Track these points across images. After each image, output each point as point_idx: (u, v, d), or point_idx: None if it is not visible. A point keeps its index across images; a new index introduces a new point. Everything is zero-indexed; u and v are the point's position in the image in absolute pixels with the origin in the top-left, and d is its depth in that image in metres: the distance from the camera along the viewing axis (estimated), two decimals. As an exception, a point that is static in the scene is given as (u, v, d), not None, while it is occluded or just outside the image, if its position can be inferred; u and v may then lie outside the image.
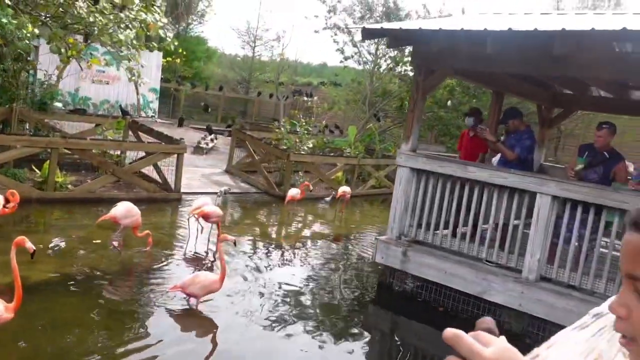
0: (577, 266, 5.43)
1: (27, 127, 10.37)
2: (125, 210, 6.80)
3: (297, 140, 13.11)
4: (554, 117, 9.43)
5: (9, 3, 8.39)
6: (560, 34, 4.89)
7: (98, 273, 6.22)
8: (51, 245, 6.79)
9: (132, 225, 6.84)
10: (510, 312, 5.74)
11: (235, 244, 6.53)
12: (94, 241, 7.10)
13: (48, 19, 10.63)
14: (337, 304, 6.35)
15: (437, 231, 6.42)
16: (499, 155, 7.31)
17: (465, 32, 5.39)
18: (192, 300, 5.48)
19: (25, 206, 7.39)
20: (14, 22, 8.32)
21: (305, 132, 13.61)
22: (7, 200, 6.37)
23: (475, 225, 6.12)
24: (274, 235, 9.30)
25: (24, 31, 8.66)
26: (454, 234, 6.30)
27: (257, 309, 5.73)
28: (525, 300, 5.57)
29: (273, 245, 8.35)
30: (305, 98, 19.75)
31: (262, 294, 6.15)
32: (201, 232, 7.94)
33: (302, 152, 12.75)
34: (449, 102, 17.73)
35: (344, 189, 11.28)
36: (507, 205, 5.86)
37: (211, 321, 5.37)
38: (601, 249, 5.52)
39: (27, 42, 8.94)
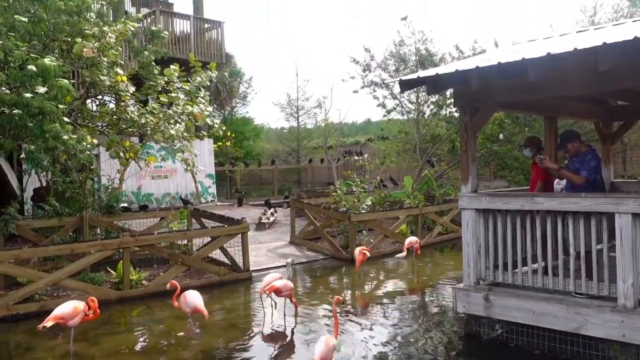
0: (677, 284, 5.02)
1: (99, 232, 10.86)
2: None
3: (355, 200, 13.10)
4: (614, 132, 9.05)
5: (68, 120, 9.02)
6: (602, 49, 4.76)
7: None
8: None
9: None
10: (614, 344, 5.31)
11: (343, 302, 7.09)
12: (173, 332, 7.17)
13: (104, 127, 11.35)
14: (425, 362, 6.08)
15: (516, 270, 6.13)
16: (564, 181, 7.02)
17: (502, 65, 5.33)
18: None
19: (105, 308, 7.62)
20: (74, 136, 8.91)
21: (362, 190, 13.61)
22: (89, 307, 6.58)
23: (555, 258, 5.81)
24: (349, 299, 9.14)
25: (84, 143, 9.25)
26: (534, 271, 6.00)
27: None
28: (628, 330, 5.15)
29: (350, 309, 8.18)
30: (356, 157, 19.88)
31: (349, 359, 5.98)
32: (275, 308, 7.91)
33: (362, 211, 12.70)
34: (500, 136, 17.42)
35: (410, 240, 11.09)
36: (586, 231, 5.55)
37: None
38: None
39: (88, 152, 9.51)
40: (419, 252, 11.10)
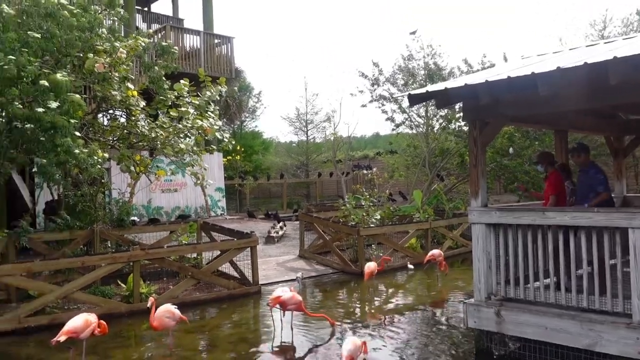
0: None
1: (109, 245, 10.91)
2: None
3: (364, 214, 13.09)
4: (626, 146, 9.00)
5: (79, 134, 9.12)
6: (613, 62, 4.75)
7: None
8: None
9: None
10: (629, 362, 5.24)
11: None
12: (182, 346, 7.16)
13: (115, 141, 11.45)
14: (436, 379, 6.02)
15: (528, 285, 6.08)
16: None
17: (512, 80, 5.33)
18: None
19: (115, 321, 7.64)
20: (85, 150, 9.00)
21: (371, 204, 13.59)
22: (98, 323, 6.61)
23: (568, 273, 5.76)
24: (358, 314, 9.09)
25: (95, 157, 9.33)
26: (546, 286, 5.94)
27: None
28: (643, 347, 5.08)
29: (360, 324, 8.13)
30: (365, 171, 19.91)
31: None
32: (283, 322, 7.88)
33: (372, 225, 12.67)
34: (510, 149, 17.36)
35: (433, 252, 10.97)
36: (599, 247, 5.50)
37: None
38: None
39: (99, 166, 9.58)
40: (443, 264, 10.92)
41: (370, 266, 10.08)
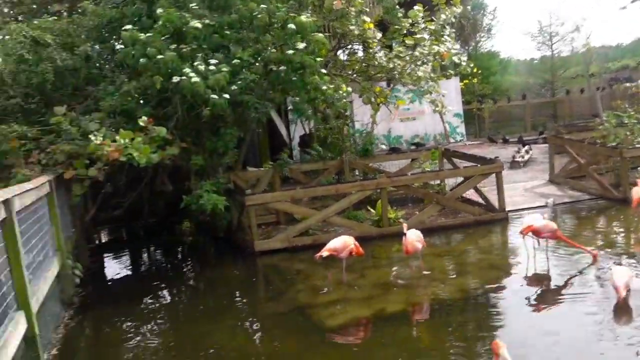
0: None
1: (357, 173, 11.64)
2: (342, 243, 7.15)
3: (628, 134, 11.45)
4: None
5: (324, 72, 9.71)
6: None
7: (439, 301, 6.46)
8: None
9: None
10: None
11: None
12: (432, 269, 7.36)
13: (354, 75, 11.93)
14: None
15: None
16: None
17: None
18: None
19: (367, 243, 8.20)
20: (331, 86, 9.57)
21: (636, 122, 11.80)
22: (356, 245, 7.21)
23: None
24: (621, 243, 8.20)
25: (340, 92, 9.87)
26: None
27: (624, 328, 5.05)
28: None
29: (624, 255, 7.32)
30: (628, 84, 17.28)
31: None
32: (536, 250, 7.51)
33: (637, 146, 11.06)
34: None
35: None
36: None
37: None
38: None
39: (344, 100, 10.14)
40: None
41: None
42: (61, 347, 5.85)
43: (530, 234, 7.28)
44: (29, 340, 4.56)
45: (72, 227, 8.61)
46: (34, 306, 4.78)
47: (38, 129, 8.27)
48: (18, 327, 4.32)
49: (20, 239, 4.75)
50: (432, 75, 11.62)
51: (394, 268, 7.85)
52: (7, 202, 4.49)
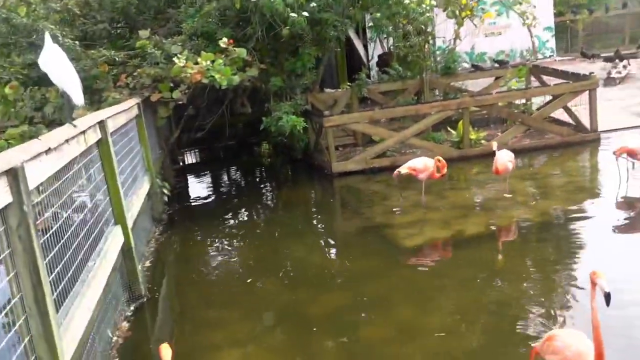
0: None
1: (437, 93, 11.25)
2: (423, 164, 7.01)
3: None
4: None
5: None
6: None
7: (520, 225, 6.33)
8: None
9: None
10: None
11: None
12: (514, 192, 7.14)
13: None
14: None
15: None
16: None
17: None
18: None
19: (447, 165, 8.04)
20: (414, 0, 9.10)
21: None
22: (437, 168, 7.05)
23: None
24: None
25: (424, 5, 9.39)
26: None
27: None
28: None
29: None
30: None
31: None
32: (631, 172, 7.07)
33: None
34: None
35: None
36: None
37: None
38: None
39: (428, 15, 9.64)
40: None
41: None
42: (153, 259, 6.33)
43: (624, 155, 6.84)
44: (125, 252, 4.96)
45: (158, 149, 9.02)
46: (129, 221, 5.14)
47: (124, 54, 8.53)
48: (116, 239, 4.69)
49: (115, 158, 5.05)
50: (524, -17, 10.76)
51: (474, 190, 7.71)
52: (102, 124, 4.75)
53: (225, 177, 10.98)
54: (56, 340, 2.56)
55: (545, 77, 10.81)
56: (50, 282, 2.78)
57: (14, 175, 2.53)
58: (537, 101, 10.36)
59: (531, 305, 4.49)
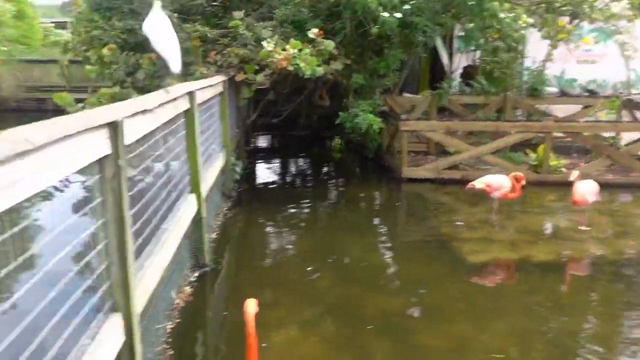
0: None
1: (519, 114, 10.91)
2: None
3: None
4: None
5: (505, -1, 8.97)
6: None
7: (592, 259, 6.06)
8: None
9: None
10: None
11: None
12: (580, 227, 6.81)
13: (535, 6, 10.87)
14: None
15: None
16: None
17: None
18: None
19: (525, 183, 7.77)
20: (510, 15, 8.86)
21: None
22: (513, 187, 6.81)
23: None
24: None
25: (520, 22, 9.12)
26: None
27: None
28: None
29: None
30: None
31: None
32: None
33: None
34: None
35: None
36: None
37: None
38: None
39: (522, 32, 9.36)
40: None
41: None
42: (219, 232, 6.48)
43: None
44: (197, 221, 5.10)
45: (236, 128, 9.23)
46: (204, 192, 5.29)
47: (217, 32, 8.77)
48: (190, 207, 4.83)
49: (199, 129, 5.20)
50: (628, 13, 10.23)
51: (547, 217, 7.42)
52: (191, 94, 4.90)
53: (294, 166, 11.10)
54: (131, 289, 2.66)
55: (638, 114, 10.27)
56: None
57: (115, 128, 2.64)
58: (627, 137, 9.84)
59: (592, 343, 4.27)
